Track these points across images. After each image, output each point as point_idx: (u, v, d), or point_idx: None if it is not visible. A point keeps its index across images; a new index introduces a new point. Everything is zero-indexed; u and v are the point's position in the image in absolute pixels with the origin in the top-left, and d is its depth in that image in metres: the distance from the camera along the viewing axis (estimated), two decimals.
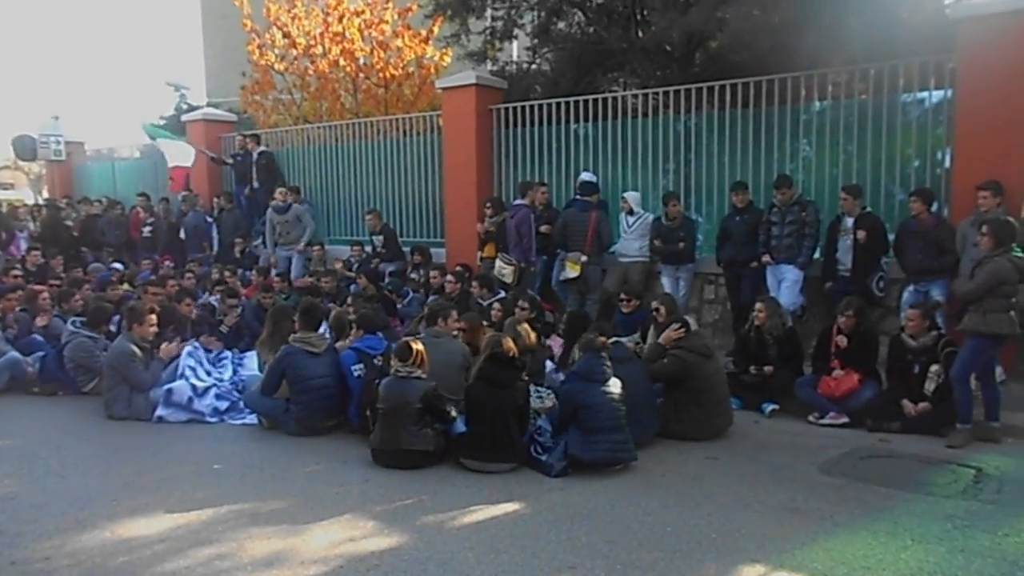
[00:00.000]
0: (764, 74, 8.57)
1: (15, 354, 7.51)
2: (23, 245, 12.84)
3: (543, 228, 9.28)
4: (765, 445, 5.94)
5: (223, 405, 6.77)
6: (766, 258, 7.96)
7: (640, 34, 11.47)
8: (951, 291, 6.48)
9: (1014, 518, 4.42)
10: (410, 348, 5.59)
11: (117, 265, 12.18)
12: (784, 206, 7.86)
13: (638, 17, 11.62)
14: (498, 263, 8.93)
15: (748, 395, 6.86)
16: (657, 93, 9.54)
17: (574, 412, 5.36)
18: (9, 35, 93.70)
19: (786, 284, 7.83)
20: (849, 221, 7.53)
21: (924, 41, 8.60)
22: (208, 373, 7.16)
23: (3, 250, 12.61)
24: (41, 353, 7.68)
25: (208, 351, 7.65)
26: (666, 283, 8.78)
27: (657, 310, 7.06)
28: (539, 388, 6.27)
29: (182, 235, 12.85)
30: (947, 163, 7.69)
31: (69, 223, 13.62)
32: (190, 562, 3.95)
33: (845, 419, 6.37)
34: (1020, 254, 5.81)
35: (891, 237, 7.53)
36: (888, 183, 8.01)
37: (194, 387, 6.75)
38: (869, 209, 7.64)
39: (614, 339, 6.52)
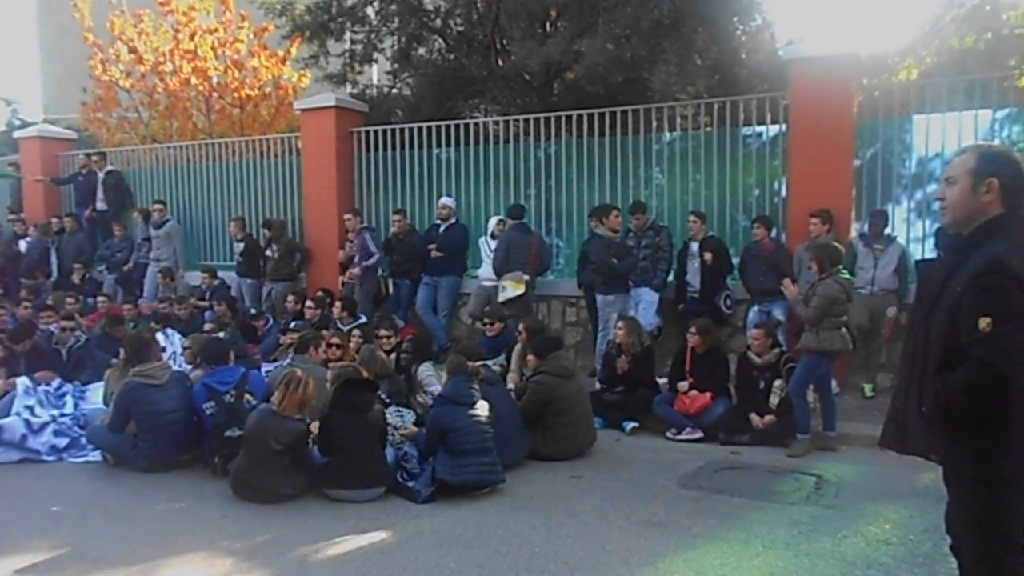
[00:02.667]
0: (619, 105, 8.97)
1: None
2: None
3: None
4: (627, 462, 6.14)
5: (62, 442, 6.28)
6: None
7: (500, 62, 11.73)
8: (790, 310, 6.96)
9: (852, 521, 4.78)
10: (289, 385, 5.30)
11: None
12: (639, 231, 8.22)
13: (498, 46, 11.87)
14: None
15: (610, 413, 7.07)
16: (517, 120, 9.79)
17: (441, 435, 5.34)
18: None
19: (643, 306, 8.16)
20: (695, 245, 7.98)
21: (762, 79, 9.30)
22: (42, 407, 6.62)
23: None
24: None
25: (46, 384, 7.09)
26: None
27: (520, 332, 7.18)
28: (400, 408, 6.22)
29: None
30: (783, 192, 8.30)
31: None
32: None
33: (700, 434, 6.69)
34: (847, 275, 6.35)
35: (736, 260, 8.04)
36: (732, 210, 8.55)
37: (28, 423, 6.23)
38: (713, 233, 8.13)
39: (480, 362, 6.57)
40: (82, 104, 15.70)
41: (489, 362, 7.22)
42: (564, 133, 9.34)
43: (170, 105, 14.86)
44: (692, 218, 8.05)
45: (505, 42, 11.79)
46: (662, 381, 7.37)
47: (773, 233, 7.83)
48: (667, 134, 8.93)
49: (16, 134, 14.67)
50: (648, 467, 5.98)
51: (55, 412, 6.64)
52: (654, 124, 8.81)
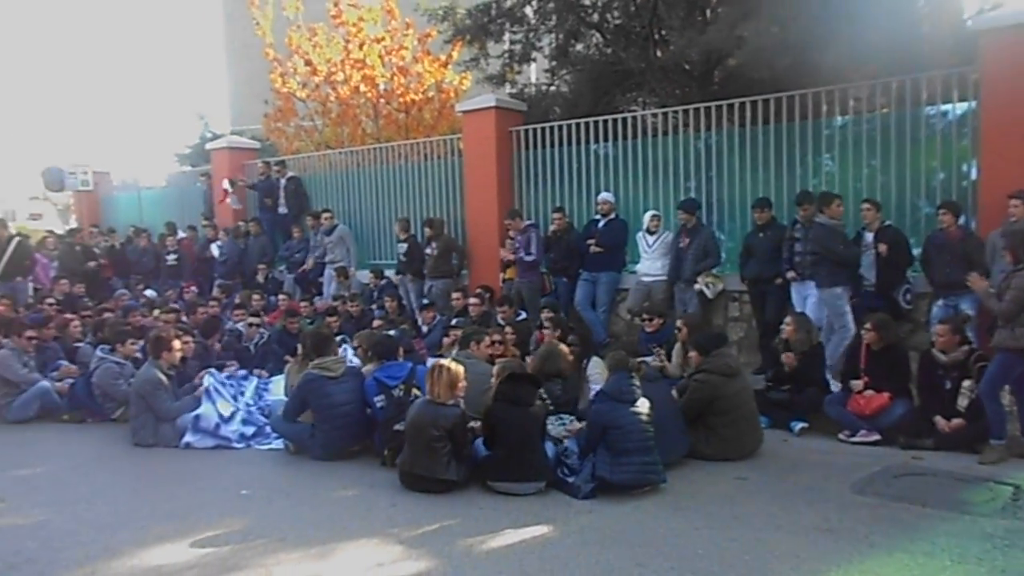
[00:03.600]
0: (784, 90, 8.56)
1: (45, 384, 7.59)
2: (51, 274, 13.06)
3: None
4: (795, 464, 5.87)
5: (249, 430, 6.81)
6: (791, 274, 7.90)
7: (658, 53, 11.51)
8: (980, 304, 6.38)
9: None
10: (442, 373, 5.50)
11: (149, 292, 12.33)
12: (807, 222, 7.81)
13: (656, 37, 11.66)
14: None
15: (776, 413, 6.78)
16: (677, 112, 9.57)
17: (602, 433, 5.32)
18: (39, 69, 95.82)
19: (812, 300, 7.76)
20: (869, 236, 7.47)
21: (946, 53, 8.57)
22: (234, 399, 7.19)
23: (25, 278, 12.79)
24: (71, 380, 7.78)
25: (231, 377, 7.71)
26: None
27: (679, 329, 7.01)
28: (562, 416, 6.17)
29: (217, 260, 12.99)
30: (973, 175, 7.61)
31: (97, 251, 13.81)
32: None
33: (877, 436, 6.27)
34: None
35: (916, 251, 7.46)
36: (913, 196, 7.93)
37: (220, 413, 6.78)
38: (889, 222, 7.57)
39: (640, 359, 6.49)
40: (264, 115, 16.91)
41: (648, 359, 7.13)
42: (726, 123, 9.03)
43: (341, 113, 15.71)
44: (866, 206, 7.53)
45: (664, 32, 11.56)
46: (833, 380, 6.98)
47: (961, 220, 7.18)
48: (838, 118, 8.41)
49: (208, 146, 16.03)
50: (819, 470, 5.68)
51: (244, 402, 7.21)
52: (824, 108, 8.34)
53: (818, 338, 7.21)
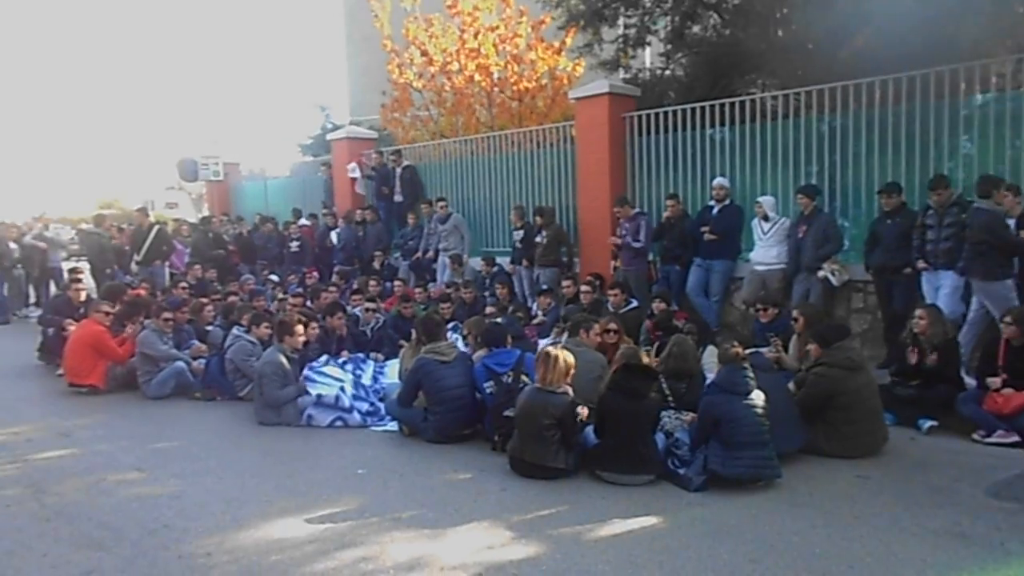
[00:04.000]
0: (918, 68, 8.06)
1: (182, 364, 8.08)
2: (186, 260, 13.91)
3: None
4: (923, 464, 5.55)
5: (363, 406, 7.01)
6: (921, 264, 7.46)
7: (780, 33, 11.08)
8: None
9: None
10: (551, 360, 5.49)
11: (273, 277, 12.94)
12: (941, 208, 7.33)
13: (778, 15, 11.22)
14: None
15: (903, 410, 6.41)
16: (799, 93, 9.17)
17: (714, 425, 5.20)
18: (173, 67, 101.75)
19: (945, 291, 7.30)
20: (1012, 223, 6.94)
21: None
22: (354, 381, 7.44)
23: (163, 263, 13.67)
24: (205, 360, 8.25)
25: (348, 360, 7.98)
26: None
27: (796, 319, 6.74)
28: (679, 413, 6.03)
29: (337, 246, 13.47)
30: None
31: (226, 238, 14.60)
32: (336, 564, 4.11)
33: (1015, 438, 5.83)
34: None
35: None
36: None
37: (342, 390, 7.02)
38: None
39: (753, 349, 6.29)
40: (381, 106, 17.38)
41: (763, 349, 6.90)
42: (852, 104, 8.60)
43: (456, 102, 15.95)
44: (1004, 192, 6.99)
45: (785, 10, 11.11)
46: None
47: None
48: (978, 96, 7.84)
49: (328, 136, 16.62)
50: (949, 471, 5.35)
51: (364, 383, 7.46)
52: (962, 86, 7.80)
53: (952, 331, 6.78)
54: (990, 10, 8.08)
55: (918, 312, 6.63)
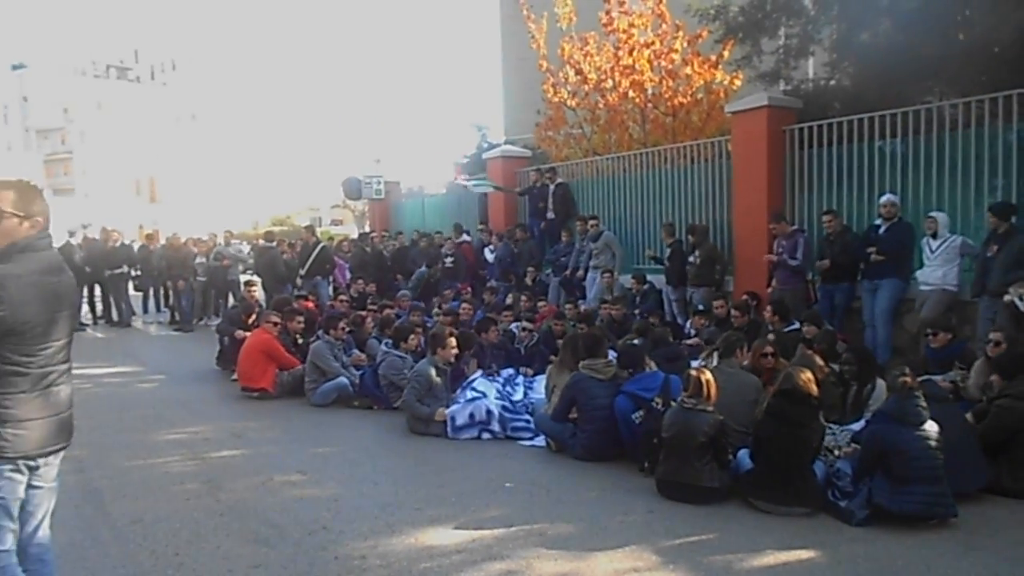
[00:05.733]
0: None
1: (344, 380, 8.46)
2: (347, 275, 14.65)
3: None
4: None
5: (513, 424, 7.07)
6: None
7: (961, 36, 10.29)
8: None
9: None
10: (700, 381, 5.42)
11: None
12: None
13: (959, 18, 10.43)
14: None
15: None
16: (982, 101, 8.46)
17: (881, 457, 4.85)
18: (338, 89, 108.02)
19: None
20: None
21: None
22: (499, 396, 7.53)
23: (325, 278, 14.46)
24: (361, 371, 8.64)
25: (498, 377, 8.10)
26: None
27: (997, 343, 6.13)
28: (831, 426, 5.73)
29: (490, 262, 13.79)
30: None
31: (385, 254, 15.26)
32: (483, 575, 4.16)
33: None
34: None
35: None
36: None
37: (489, 409, 7.12)
38: None
39: (925, 376, 5.84)
40: (536, 124, 17.62)
41: (936, 377, 6.38)
42: None
43: (609, 119, 15.91)
44: None
45: (968, 12, 10.31)
46: None
47: None
48: None
49: (484, 155, 17.05)
50: None
51: (513, 398, 7.56)
52: None
53: None
54: None
55: None
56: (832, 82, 12.34)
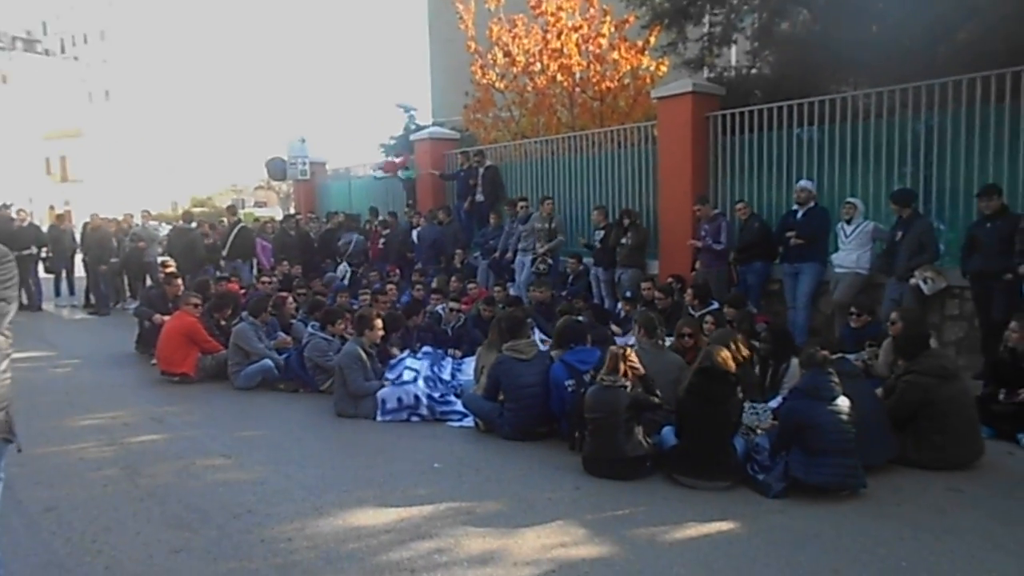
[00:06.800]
0: (1022, 63, 7.65)
1: (269, 362, 8.30)
2: (271, 257, 14.37)
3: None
4: (1022, 480, 5.27)
5: (442, 407, 7.08)
6: None
7: (874, 28, 10.69)
8: None
9: None
10: (616, 357, 5.54)
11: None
12: None
13: (872, 11, 10.82)
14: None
15: (1001, 424, 6.09)
16: (893, 91, 8.82)
17: (796, 431, 5.05)
18: (261, 67, 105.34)
19: None
20: None
21: None
22: (429, 376, 7.51)
23: (246, 260, 14.18)
24: (286, 354, 8.50)
25: (427, 354, 8.09)
26: None
27: (893, 323, 6.45)
28: (755, 404, 5.96)
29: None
30: None
31: (312, 236, 15.00)
32: (412, 554, 4.18)
33: None
34: None
35: None
36: None
37: (417, 395, 7.09)
38: None
39: (839, 354, 6.09)
40: (464, 107, 17.56)
41: (850, 356, 6.66)
42: (951, 102, 8.23)
43: (538, 102, 15.98)
44: None
45: (882, 5, 10.71)
46: None
47: None
48: None
49: (412, 137, 16.90)
50: None
51: (443, 378, 7.56)
52: None
53: None
54: None
55: (1012, 324, 6.29)
56: (754, 70, 12.65)
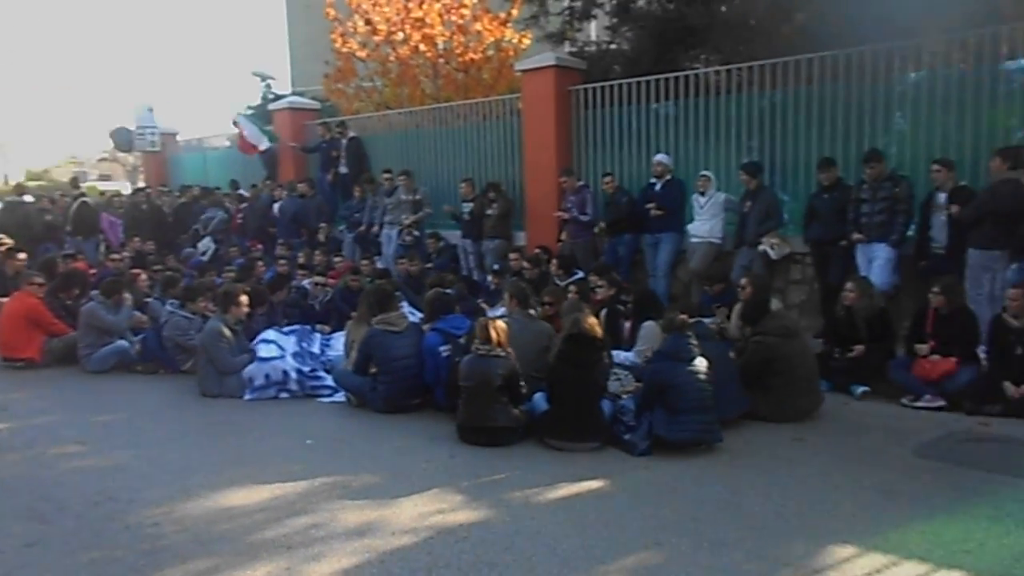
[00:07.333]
0: (855, 45, 8.27)
1: (124, 344, 7.89)
2: (120, 233, 13.56)
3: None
4: (856, 427, 5.81)
5: (311, 383, 6.97)
6: (857, 236, 7.71)
7: (723, 8, 11.22)
8: None
9: None
10: (487, 328, 5.65)
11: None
12: (875, 182, 7.59)
13: None
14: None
15: (838, 377, 6.68)
16: (741, 69, 9.33)
17: (659, 392, 5.34)
18: (105, 29, 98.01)
19: (878, 263, 7.58)
20: (942, 196, 7.24)
21: None
22: (297, 351, 7.37)
23: (88, 237, 13.33)
24: (143, 334, 8.08)
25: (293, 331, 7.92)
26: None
27: (743, 287, 6.90)
28: (617, 372, 6.24)
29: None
30: None
31: (165, 210, 14.24)
32: (287, 530, 4.13)
33: (942, 402, 6.14)
34: None
35: None
36: (989, 157, 7.63)
37: (285, 370, 6.95)
38: (964, 183, 7.32)
39: (696, 319, 6.46)
40: (324, 76, 17.04)
41: (706, 320, 7.08)
42: (792, 80, 8.79)
43: (401, 73, 15.74)
44: (935, 167, 7.30)
45: None
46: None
47: None
48: (911, 74, 8.11)
49: (270, 107, 16.28)
50: (880, 434, 5.61)
51: (312, 351, 7.44)
52: (896, 64, 8.05)
53: (882, 301, 7.06)
54: None
55: (848, 285, 6.89)
56: (613, 46, 12.98)
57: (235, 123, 15.31)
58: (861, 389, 6.58)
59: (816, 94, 8.57)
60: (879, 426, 5.80)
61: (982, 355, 6.35)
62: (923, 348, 6.39)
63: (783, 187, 9.05)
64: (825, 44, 8.69)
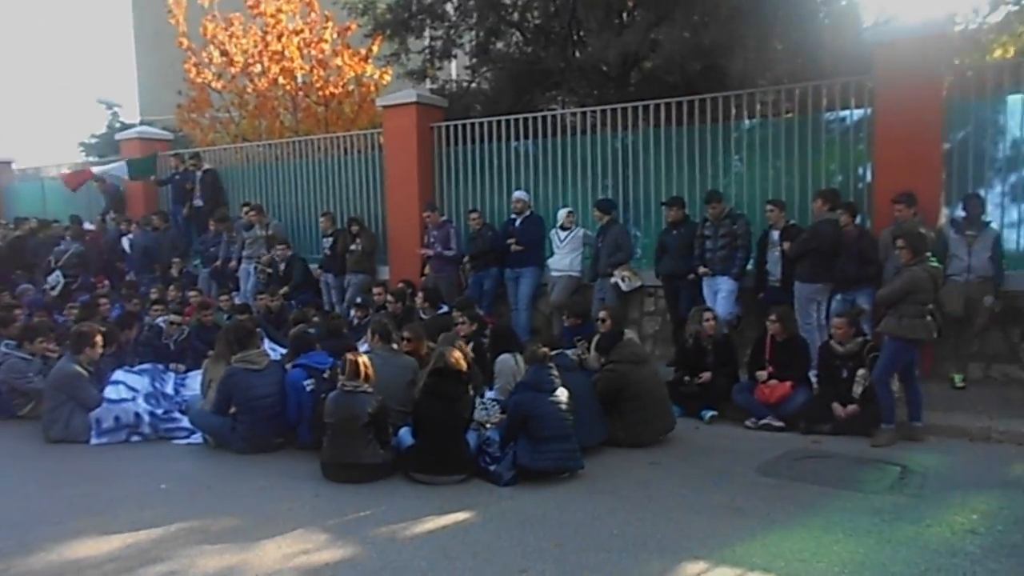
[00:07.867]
0: (697, 93, 8.92)
1: None
2: None
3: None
4: (705, 449, 6.18)
5: (165, 424, 6.68)
6: (702, 270, 8.25)
7: (577, 54, 11.77)
8: (876, 299, 6.84)
9: (936, 510, 4.72)
10: (356, 364, 5.65)
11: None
12: (716, 220, 8.18)
13: (575, 37, 11.92)
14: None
15: (688, 403, 7.10)
16: (595, 111, 9.83)
17: (523, 422, 5.49)
18: None
19: (722, 295, 8.14)
20: (776, 234, 7.90)
21: (846, 62, 9.09)
22: (150, 392, 7.05)
23: None
24: None
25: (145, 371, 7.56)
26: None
27: (603, 320, 7.23)
28: (484, 401, 6.38)
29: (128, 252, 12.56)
30: (868, 177, 8.13)
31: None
32: None
33: (780, 423, 6.65)
34: (935, 263, 6.21)
35: None
36: (814, 197, 8.39)
37: (137, 412, 6.64)
38: (794, 222, 8.02)
39: (558, 350, 6.69)
40: (177, 106, 16.40)
41: (568, 352, 7.33)
42: (641, 123, 9.35)
43: (259, 105, 15.38)
44: (769, 207, 8.00)
45: (582, 33, 11.83)
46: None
47: (857, 220, 7.67)
48: (746, 121, 8.84)
49: (117, 136, 15.50)
50: (727, 455, 6.01)
51: (166, 392, 7.13)
52: (733, 112, 8.74)
53: (726, 329, 7.58)
54: (754, 45, 9.11)
55: (706, 314, 7.35)
56: (473, 85, 13.31)
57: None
58: (710, 413, 7.01)
59: (663, 136, 9.14)
60: (726, 448, 6.21)
61: (813, 379, 6.93)
62: (762, 374, 6.91)
63: (636, 223, 9.56)
64: (671, 91, 9.33)
